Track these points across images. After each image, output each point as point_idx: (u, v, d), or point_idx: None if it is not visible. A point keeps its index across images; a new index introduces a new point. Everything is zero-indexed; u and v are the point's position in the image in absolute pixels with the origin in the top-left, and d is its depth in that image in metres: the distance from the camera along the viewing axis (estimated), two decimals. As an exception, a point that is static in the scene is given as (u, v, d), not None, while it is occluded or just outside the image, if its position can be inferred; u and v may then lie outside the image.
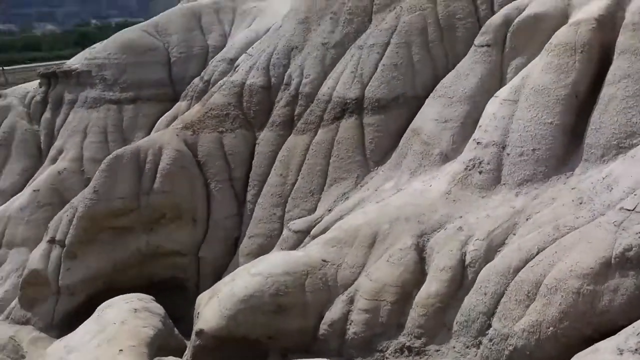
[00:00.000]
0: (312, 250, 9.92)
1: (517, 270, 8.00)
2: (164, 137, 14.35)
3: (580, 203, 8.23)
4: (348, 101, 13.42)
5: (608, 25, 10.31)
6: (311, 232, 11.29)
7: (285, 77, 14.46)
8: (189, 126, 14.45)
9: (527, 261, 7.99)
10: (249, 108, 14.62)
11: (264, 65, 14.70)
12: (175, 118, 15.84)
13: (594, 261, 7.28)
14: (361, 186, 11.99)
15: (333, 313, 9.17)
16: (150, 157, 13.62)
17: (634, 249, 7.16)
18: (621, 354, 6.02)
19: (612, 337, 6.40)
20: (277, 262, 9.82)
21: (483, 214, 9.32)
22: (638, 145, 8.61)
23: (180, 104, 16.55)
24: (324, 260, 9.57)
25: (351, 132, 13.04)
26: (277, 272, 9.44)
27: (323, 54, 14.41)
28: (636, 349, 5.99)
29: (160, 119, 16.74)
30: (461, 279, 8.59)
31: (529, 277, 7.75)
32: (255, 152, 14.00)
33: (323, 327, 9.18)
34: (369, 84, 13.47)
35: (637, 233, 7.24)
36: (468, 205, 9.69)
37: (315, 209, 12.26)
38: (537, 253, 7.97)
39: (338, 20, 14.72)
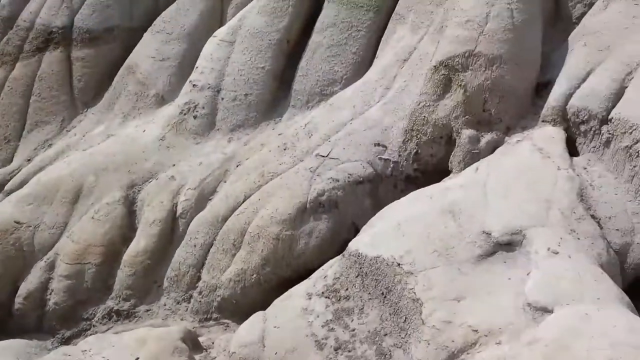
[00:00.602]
0: (3, 211, 8.93)
1: (225, 219, 8.29)
2: None
3: (285, 149, 8.76)
4: (53, 30, 12.07)
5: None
6: (5, 187, 10.11)
7: (-18, -4, 12.41)
8: None
9: (234, 209, 8.31)
10: (-63, 32, 12.29)
11: (-45, -22, 12.39)
12: None
13: (291, 207, 7.88)
14: (67, 131, 11.05)
15: (30, 283, 8.46)
16: None
17: (325, 193, 7.93)
18: (310, 298, 6.64)
19: (304, 281, 7.04)
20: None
21: (196, 161, 9.37)
22: (337, 93, 9.39)
23: None
24: (18, 222, 8.71)
25: (56, 67, 11.82)
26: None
27: (27, -30, 12.70)
28: (322, 292, 6.66)
29: None
30: (172, 232, 8.60)
31: (235, 225, 8.09)
32: (-62, 89, 11.89)
33: (18, 300, 8.44)
34: (80, 10, 12.25)
35: (329, 178, 8.00)
36: (182, 152, 9.64)
37: (11, 159, 10.99)
38: (244, 200, 8.34)
39: None
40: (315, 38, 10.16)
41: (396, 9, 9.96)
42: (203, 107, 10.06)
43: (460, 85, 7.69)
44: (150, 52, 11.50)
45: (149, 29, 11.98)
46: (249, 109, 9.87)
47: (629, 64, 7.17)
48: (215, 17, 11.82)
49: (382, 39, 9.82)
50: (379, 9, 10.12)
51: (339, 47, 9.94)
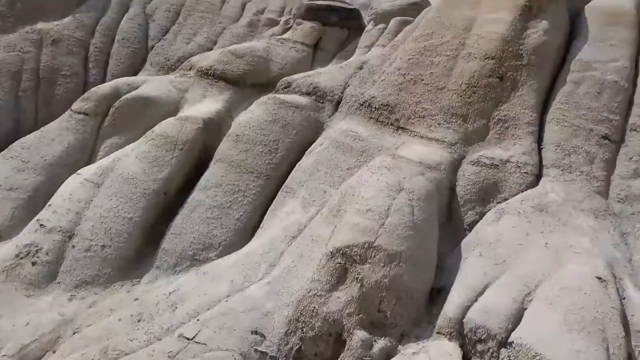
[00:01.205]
0: None
1: (44, 407, 6.11)
2: None
3: (139, 320, 7.05)
4: None
5: (215, 129, 10.04)
6: None
7: None
8: None
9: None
10: None
11: None
12: None
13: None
14: None
15: None
16: None
17: (184, 389, 6.16)
18: None
19: None
20: None
21: (23, 319, 7.25)
22: (213, 260, 8.02)
23: None
24: None
25: None
26: None
27: None
28: None
29: None
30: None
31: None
32: None
33: None
34: None
35: (191, 369, 6.30)
36: (7, 305, 7.48)
37: None
38: (74, 385, 6.28)
39: None
40: (196, 195, 8.96)
41: (287, 181, 9.18)
42: (47, 253, 8.14)
43: (357, 278, 6.71)
44: (-3, 178, 9.53)
45: (2, 153, 10.12)
46: (104, 264, 8.12)
47: (527, 284, 6.71)
48: (83, 152, 10.32)
49: (270, 208, 8.87)
50: (269, 177, 9.29)
51: (222, 210, 8.77)
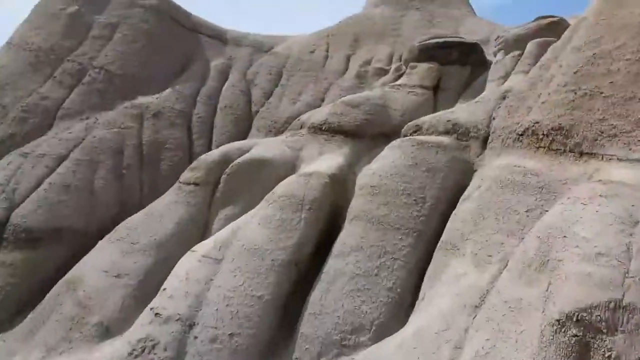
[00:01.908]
0: None
1: None
2: None
3: None
4: (-18, 225, 9.07)
5: (340, 186, 8.55)
6: None
7: None
8: None
9: None
10: None
11: None
12: None
13: None
14: (-45, 367, 7.33)
15: None
16: None
17: None
18: None
19: None
20: None
21: None
22: (367, 345, 6.16)
23: None
24: None
25: (-30, 275, 8.50)
26: None
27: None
28: None
29: None
30: None
31: None
32: None
33: None
34: (21, 205, 9.46)
35: None
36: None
37: None
38: None
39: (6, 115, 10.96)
40: (334, 263, 7.32)
41: (444, 235, 7.35)
42: (165, 349, 6.71)
43: (609, 356, 4.58)
44: (102, 265, 8.47)
45: (107, 236, 9.10)
46: (234, 357, 6.46)
47: None
48: (196, 227, 9.10)
49: (429, 272, 7.04)
50: (420, 233, 7.52)
51: (368, 279, 7.05)
